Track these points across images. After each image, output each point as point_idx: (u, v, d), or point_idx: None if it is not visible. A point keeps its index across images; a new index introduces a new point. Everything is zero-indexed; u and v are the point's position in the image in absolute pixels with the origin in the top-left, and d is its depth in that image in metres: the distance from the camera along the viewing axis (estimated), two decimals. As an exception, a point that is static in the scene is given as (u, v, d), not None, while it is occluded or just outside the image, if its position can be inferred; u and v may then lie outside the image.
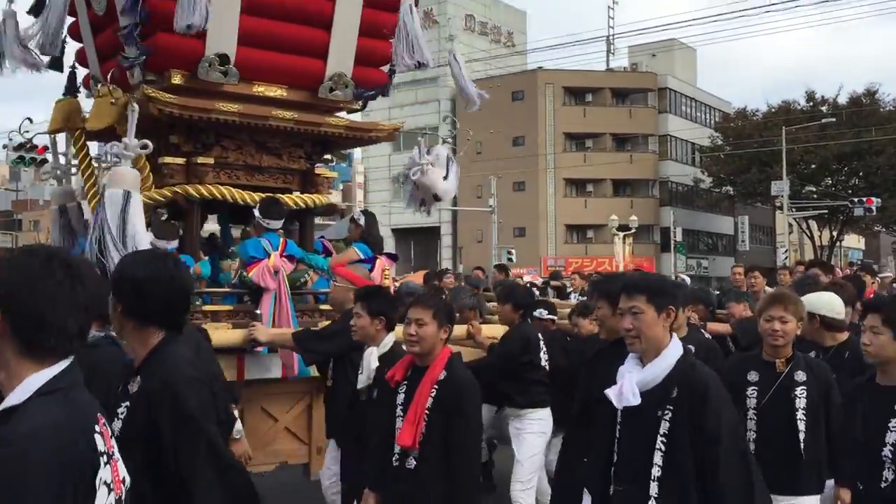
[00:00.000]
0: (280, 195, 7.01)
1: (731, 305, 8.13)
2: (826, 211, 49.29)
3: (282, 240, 6.83)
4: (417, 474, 4.18)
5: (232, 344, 6.17)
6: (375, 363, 4.86)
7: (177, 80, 6.54)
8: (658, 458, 3.48)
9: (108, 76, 6.32)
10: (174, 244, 6.62)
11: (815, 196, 50.62)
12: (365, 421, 4.96)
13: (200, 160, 6.73)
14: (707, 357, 5.56)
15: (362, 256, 7.39)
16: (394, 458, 4.28)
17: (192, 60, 6.44)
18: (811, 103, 52.24)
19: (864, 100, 50.67)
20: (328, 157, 7.62)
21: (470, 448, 4.24)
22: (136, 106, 5.86)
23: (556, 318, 7.73)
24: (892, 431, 3.88)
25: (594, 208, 55.87)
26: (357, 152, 73.48)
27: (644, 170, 58.01)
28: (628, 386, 3.54)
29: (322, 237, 8.15)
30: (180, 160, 6.73)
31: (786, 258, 42.99)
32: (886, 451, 3.87)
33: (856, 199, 45.42)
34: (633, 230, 45.74)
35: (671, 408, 3.50)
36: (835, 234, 54.00)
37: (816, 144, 48.69)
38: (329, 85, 6.99)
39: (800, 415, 4.55)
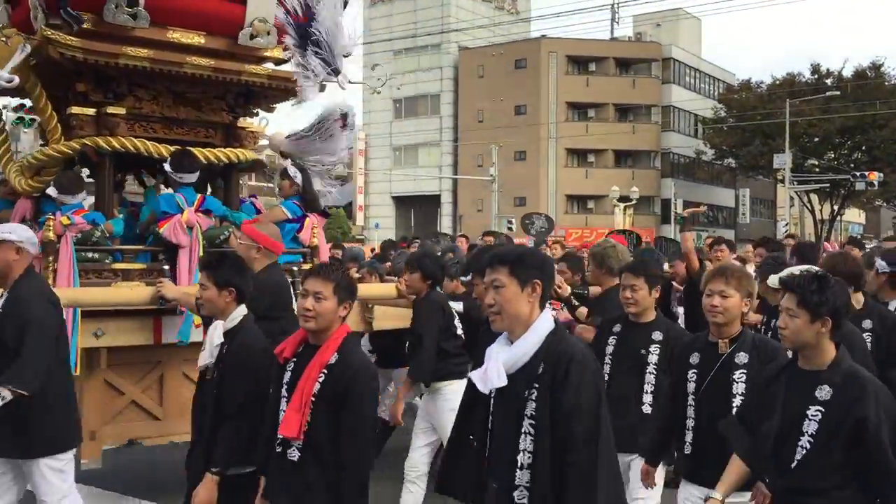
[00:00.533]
0: (200, 150, 6.65)
1: (676, 263, 7.84)
2: (828, 185, 48.93)
3: (199, 195, 6.50)
4: (302, 468, 3.77)
5: (141, 302, 5.86)
6: (219, 339, 4.34)
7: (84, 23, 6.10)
8: (527, 443, 3.18)
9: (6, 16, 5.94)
10: (80, 198, 6.26)
11: (817, 170, 50.22)
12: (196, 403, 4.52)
13: (111, 110, 6.34)
14: (675, 344, 5.14)
15: (290, 216, 7.01)
16: (276, 446, 3.87)
17: (97, 2, 6.02)
18: (816, 76, 51.68)
19: (870, 73, 50.20)
20: (255, 110, 7.21)
21: (360, 442, 3.77)
22: (27, 46, 5.52)
23: None
24: (811, 420, 3.42)
25: (595, 179, 55.59)
26: (358, 118, 73.00)
27: (646, 141, 57.60)
28: (493, 367, 3.21)
29: (253, 196, 7.76)
30: (90, 110, 6.35)
31: (786, 231, 42.64)
32: (804, 441, 3.42)
33: (858, 174, 45.01)
34: (633, 201, 45.49)
35: (536, 385, 3.17)
36: (835, 208, 53.58)
37: (820, 118, 48.23)
38: (250, 31, 6.57)
39: (736, 401, 4.14)
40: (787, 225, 45.43)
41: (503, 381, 3.18)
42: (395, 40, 59.07)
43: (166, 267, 6.14)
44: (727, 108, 54.95)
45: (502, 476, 3.23)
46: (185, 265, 6.22)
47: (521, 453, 3.18)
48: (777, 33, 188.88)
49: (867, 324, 5.22)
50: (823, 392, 3.42)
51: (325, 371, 3.79)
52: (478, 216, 51.87)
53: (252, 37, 6.59)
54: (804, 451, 3.41)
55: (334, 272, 3.95)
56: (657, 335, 5.17)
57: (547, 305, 3.36)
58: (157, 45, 6.39)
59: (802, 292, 3.48)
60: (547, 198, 56.18)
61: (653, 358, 5.13)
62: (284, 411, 3.82)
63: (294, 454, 3.78)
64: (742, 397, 4.12)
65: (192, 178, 6.39)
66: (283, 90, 6.94)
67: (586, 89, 57.10)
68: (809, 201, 53.85)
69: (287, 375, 3.91)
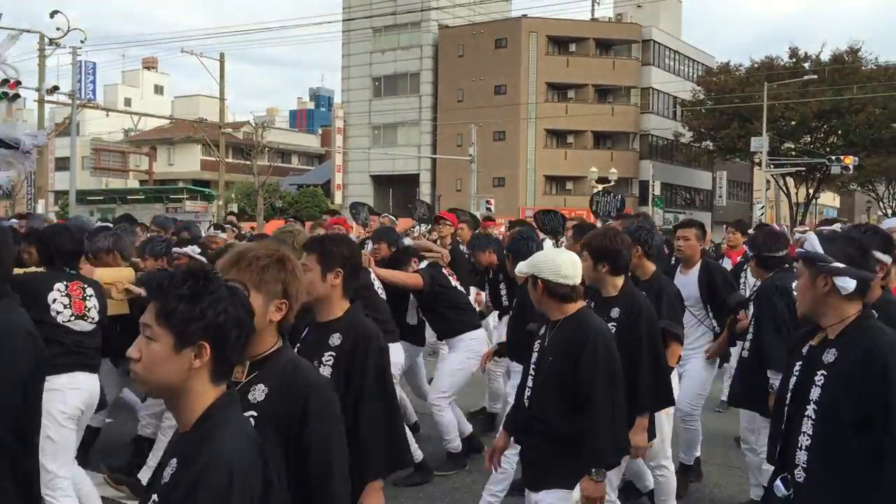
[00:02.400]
0: None
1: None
2: (804, 168, 49.34)
3: None
4: None
5: None
6: None
7: None
8: None
9: None
10: None
11: (793, 153, 50.60)
12: None
13: None
14: (359, 352, 3.82)
15: None
16: None
17: None
18: (794, 60, 52.01)
19: (847, 57, 50.49)
20: None
21: None
22: None
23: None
24: None
25: (574, 160, 55.71)
26: (337, 96, 72.78)
27: (625, 122, 57.78)
28: None
29: None
30: None
31: (762, 214, 43.00)
32: None
33: (833, 157, 45.38)
34: (611, 183, 45.59)
35: None
36: (811, 191, 54.08)
37: (797, 101, 48.57)
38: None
39: None
40: (762, 207, 45.81)
41: None
42: (374, 17, 58.81)
43: None
44: (706, 90, 55.24)
45: None
46: None
47: None
48: (758, 16, 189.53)
49: (615, 312, 4.75)
50: None
51: None
52: (456, 196, 51.89)
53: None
54: None
55: None
56: (335, 339, 3.57)
57: None
58: None
59: (165, 299, 2.07)
60: (525, 178, 56.32)
61: (325, 371, 3.49)
62: None
63: None
64: None
65: None
66: None
67: (566, 70, 57.13)
68: (785, 184, 54.33)
69: None
